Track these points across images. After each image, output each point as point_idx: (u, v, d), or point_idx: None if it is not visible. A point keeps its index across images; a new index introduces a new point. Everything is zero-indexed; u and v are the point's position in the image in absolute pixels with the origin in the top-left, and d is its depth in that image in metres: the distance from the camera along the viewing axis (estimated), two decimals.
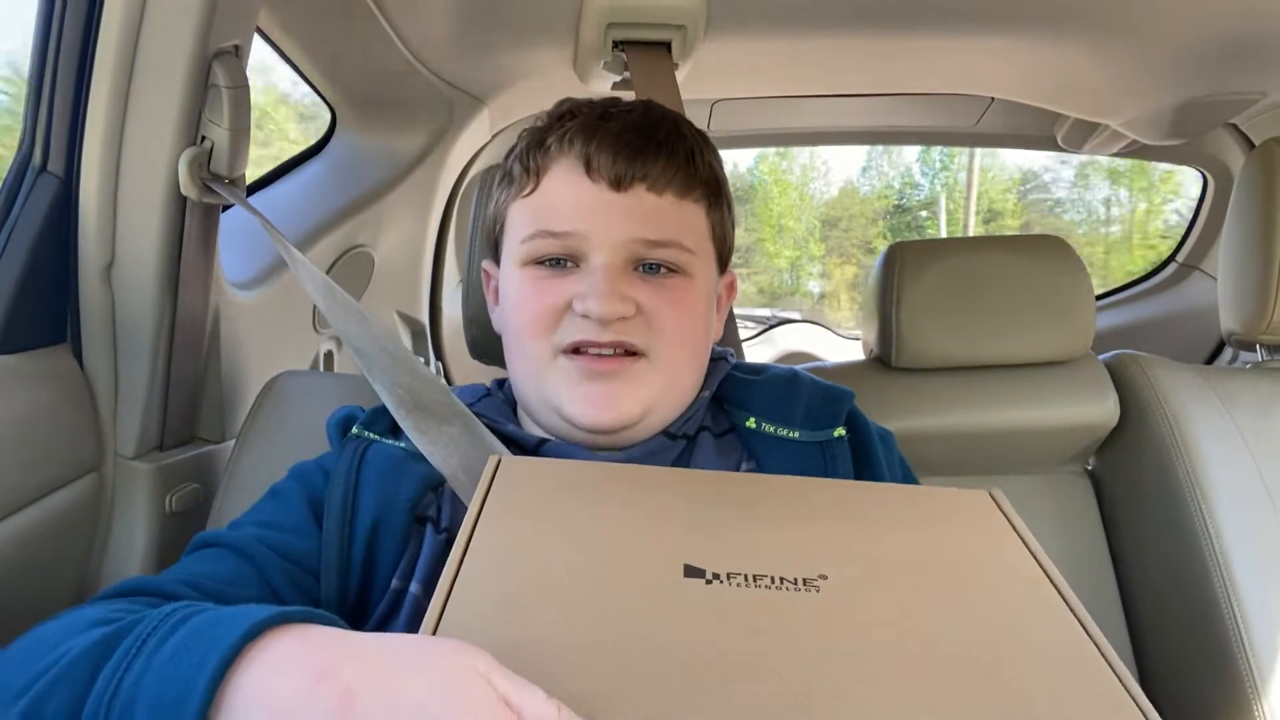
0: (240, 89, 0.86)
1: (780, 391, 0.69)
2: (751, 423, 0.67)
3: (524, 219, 0.65)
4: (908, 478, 0.72)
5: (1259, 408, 1.06)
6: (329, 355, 1.37)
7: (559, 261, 0.63)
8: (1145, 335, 2.08)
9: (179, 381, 0.95)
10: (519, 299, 0.64)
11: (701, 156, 0.66)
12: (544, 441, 0.66)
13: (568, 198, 0.62)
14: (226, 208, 0.95)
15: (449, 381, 1.77)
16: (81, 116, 0.84)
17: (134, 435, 0.91)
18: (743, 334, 2.66)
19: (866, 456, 0.67)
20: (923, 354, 1.09)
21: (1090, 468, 1.16)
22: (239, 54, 0.87)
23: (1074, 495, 1.13)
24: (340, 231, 1.34)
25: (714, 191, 0.67)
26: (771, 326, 3.14)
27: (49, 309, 0.88)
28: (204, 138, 0.86)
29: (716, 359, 0.73)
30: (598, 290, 0.60)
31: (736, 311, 1.03)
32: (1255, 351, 1.15)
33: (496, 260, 0.70)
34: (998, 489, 0.55)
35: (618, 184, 0.62)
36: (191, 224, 0.89)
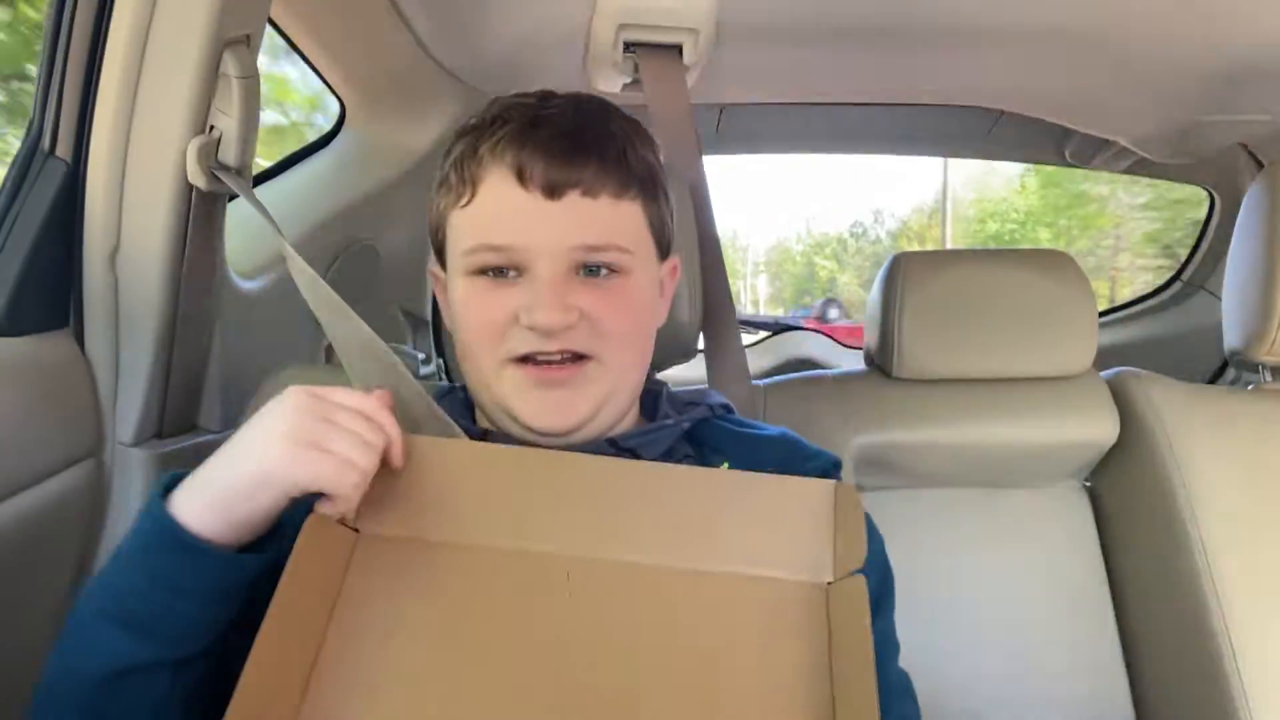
0: (250, 79, 0.86)
1: (760, 441, 0.70)
2: (725, 467, 0.68)
3: (464, 231, 0.65)
4: (883, 575, 0.68)
5: (1260, 429, 1.06)
6: (329, 349, 1.37)
7: (502, 271, 0.64)
8: (1148, 353, 2.08)
9: (180, 370, 0.95)
10: (465, 310, 0.66)
11: (635, 151, 0.66)
12: (488, 434, 0.68)
13: (504, 210, 0.63)
14: (233, 197, 0.95)
15: (450, 379, 1.77)
16: (91, 102, 0.84)
17: (133, 422, 0.91)
18: (746, 340, 2.66)
19: None
20: (923, 365, 1.09)
21: (1088, 484, 1.16)
22: (250, 44, 0.87)
23: (1071, 511, 1.13)
24: (346, 225, 1.34)
25: (649, 185, 0.67)
26: (775, 333, 3.14)
27: (52, 293, 0.88)
28: (213, 127, 0.86)
29: (700, 403, 0.73)
30: (542, 302, 0.61)
31: (739, 318, 1.03)
32: (1258, 372, 1.14)
33: (442, 263, 0.71)
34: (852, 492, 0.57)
35: (551, 192, 0.62)
36: (198, 213, 0.89)
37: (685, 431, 0.70)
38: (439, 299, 0.74)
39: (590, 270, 0.64)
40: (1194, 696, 0.99)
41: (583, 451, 0.65)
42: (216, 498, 0.52)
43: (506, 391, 0.64)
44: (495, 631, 0.52)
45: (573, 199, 0.62)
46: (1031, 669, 1.07)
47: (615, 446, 0.66)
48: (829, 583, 0.54)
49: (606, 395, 0.65)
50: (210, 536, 0.51)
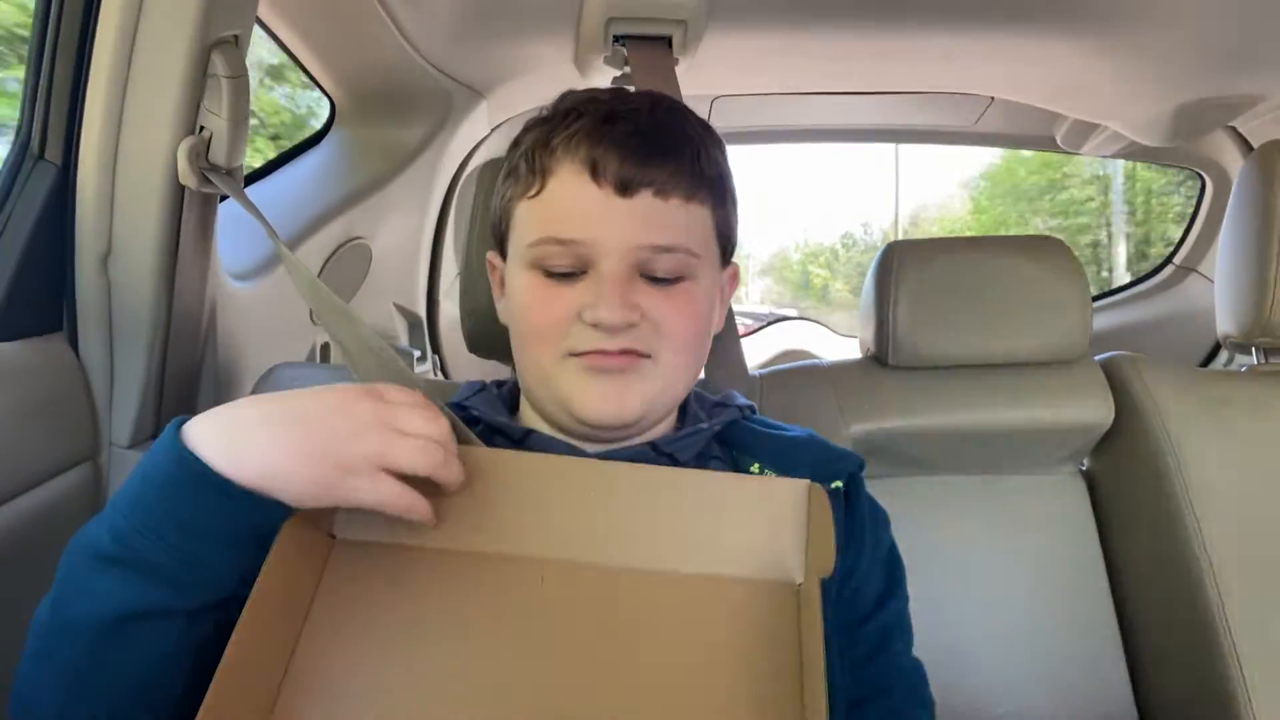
0: (239, 79, 0.85)
1: (789, 443, 0.70)
2: (756, 468, 0.68)
3: (530, 222, 0.64)
4: (891, 566, 0.70)
5: (1253, 411, 1.06)
6: (325, 347, 1.37)
7: (568, 273, 0.63)
8: (1142, 337, 2.09)
9: (175, 371, 0.95)
10: (527, 305, 0.65)
11: (707, 154, 0.66)
12: (530, 433, 0.67)
13: (574, 204, 0.62)
14: (224, 198, 0.95)
15: (446, 375, 1.76)
16: (80, 104, 0.83)
17: (129, 424, 0.91)
18: (740, 330, 2.65)
19: (848, 521, 0.67)
20: (919, 353, 1.09)
21: (1085, 468, 1.16)
22: (238, 44, 0.87)
23: (1068, 495, 1.14)
24: (338, 223, 1.34)
25: (720, 190, 0.67)
26: (769, 324, 3.15)
27: (45, 297, 0.87)
28: (202, 127, 0.86)
29: (728, 405, 0.73)
30: (606, 299, 0.60)
31: (735, 309, 1.03)
32: (1251, 354, 1.15)
33: (501, 253, 0.70)
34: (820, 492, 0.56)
35: (623, 189, 0.61)
36: (189, 214, 0.89)
37: (716, 433, 0.70)
38: (494, 289, 0.73)
39: (656, 280, 0.63)
40: (1191, 675, 0.99)
41: (626, 455, 0.65)
42: (255, 472, 0.49)
43: (566, 386, 0.63)
44: (469, 636, 0.52)
45: (645, 198, 0.61)
46: (1030, 651, 1.07)
47: (656, 450, 0.66)
48: (799, 584, 0.54)
49: (656, 395, 0.64)
50: (230, 476, 0.48)
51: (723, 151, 0.69)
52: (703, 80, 1.42)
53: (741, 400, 0.75)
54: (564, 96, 0.67)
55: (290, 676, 0.50)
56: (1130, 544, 1.09)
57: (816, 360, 1.20)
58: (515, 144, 0.68)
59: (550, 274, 0.63)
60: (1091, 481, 1.15)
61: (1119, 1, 1.13)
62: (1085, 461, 1.16)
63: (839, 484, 0.67)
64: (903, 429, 1.08)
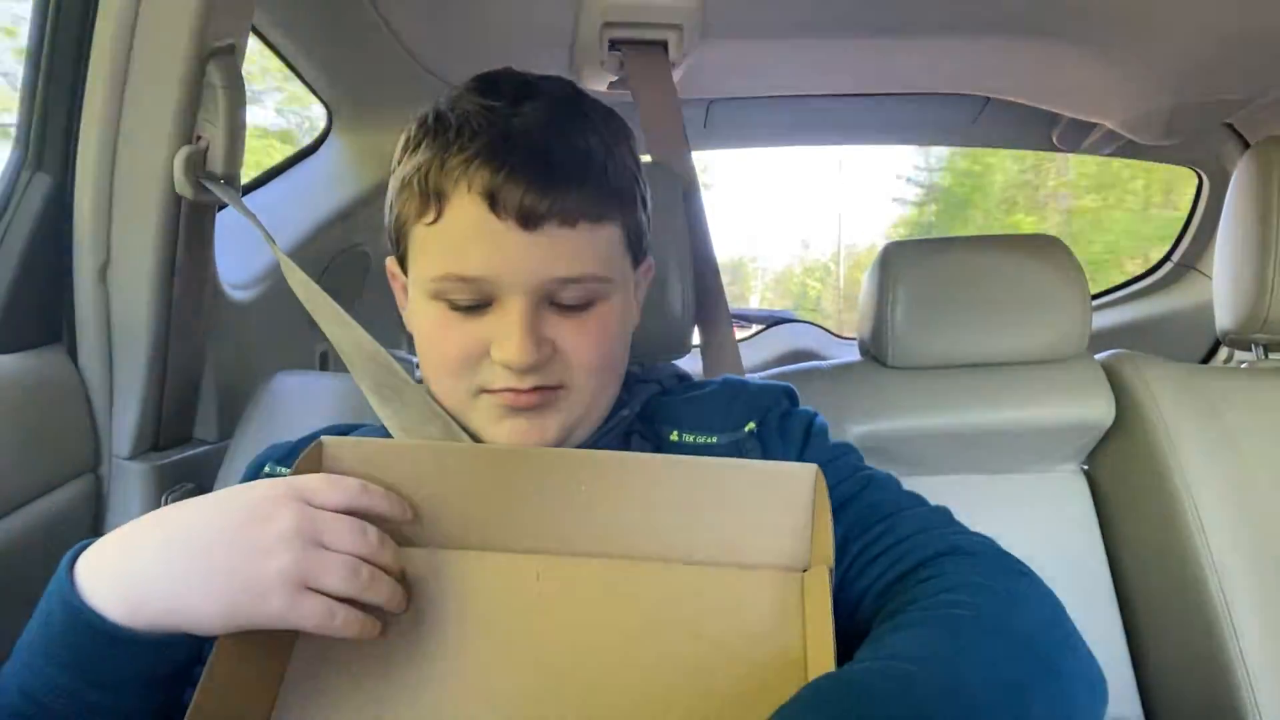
0: (236, 88, 0.85)
1: (705, 401, 0.69)
2: (675, 436, 0.67)
3: (430, 253, 0.60)
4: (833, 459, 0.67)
5: (1253, 408, 1.06)
6: (325, 355, 1.37)
7: (472, 306, 0.60)
8: (1141, 335, 2.08)
9: (175, 381, 0.95)
10: (432, 337, 0.62)
11: (615, 162, 0.61)
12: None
13: (474, 238, 0.57)
14: (223, 207, 0.95)
15: None
16: (76, 115, 0.84)
17: (130, 435, 0.91)
18: (742, 334, 2.65)
19: (772, 450, 0.66)
20: (918, 353, 1.09)
21: (1086, 467, 1.16)
22: (234, 52, 0.87)
23: (1070, 494, 1.13)
24: (337, 231, 1.34)
25: (629, 197, 0.63)
26: (770, 326, 3.14)
27: (44, 309, 0.87)
28: (199, 137, 0.86)
29: (649, 380, 0.72)
30: (514, 339, 0.57)
31: (734, 310, 1.03)
32: (1251, 350, 1.15)
33: (402, 267, 0.66)
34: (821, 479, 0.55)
35: (526, 223, 0.56)
36: (187, 223, 0.89)
37: (638, 412, 0.69)
38: (397, 297, 0.70)
39: (565, 307, 0.60)
40: (1195, 670, 0.99)
41: None
42: (157, 612, 0.46)
43: (479, 421, 0.62)
44: (464, 636, 0.51)
45: (550, 229, 0.57)
46: None
47: None
48: (804, 570, 0.53)
49: (575, 419, 0.63)
50: (132, 626, 0.46)
51: (630, 143, 0.65)
52: (699, 85, 1.43)
53: (668, 371, 0.73)
54: (456, 99, 0.60)
55: (284, 688, 0.50)
56: (1132, 541, 1.09)
57: (816, 363, 1.20)
58: (406, 145, 0.62)
59: (455, 307, 0.60)
60: (1093, 480, 1.15)
61: (1111, 1, 1.13)
62: (1086, 460, 1.16)
63: (751, 426, 0.66)
64: (903, 430, 1.08)
